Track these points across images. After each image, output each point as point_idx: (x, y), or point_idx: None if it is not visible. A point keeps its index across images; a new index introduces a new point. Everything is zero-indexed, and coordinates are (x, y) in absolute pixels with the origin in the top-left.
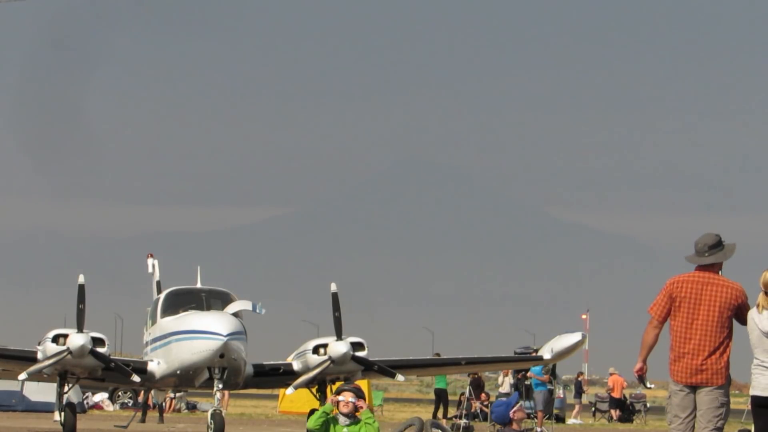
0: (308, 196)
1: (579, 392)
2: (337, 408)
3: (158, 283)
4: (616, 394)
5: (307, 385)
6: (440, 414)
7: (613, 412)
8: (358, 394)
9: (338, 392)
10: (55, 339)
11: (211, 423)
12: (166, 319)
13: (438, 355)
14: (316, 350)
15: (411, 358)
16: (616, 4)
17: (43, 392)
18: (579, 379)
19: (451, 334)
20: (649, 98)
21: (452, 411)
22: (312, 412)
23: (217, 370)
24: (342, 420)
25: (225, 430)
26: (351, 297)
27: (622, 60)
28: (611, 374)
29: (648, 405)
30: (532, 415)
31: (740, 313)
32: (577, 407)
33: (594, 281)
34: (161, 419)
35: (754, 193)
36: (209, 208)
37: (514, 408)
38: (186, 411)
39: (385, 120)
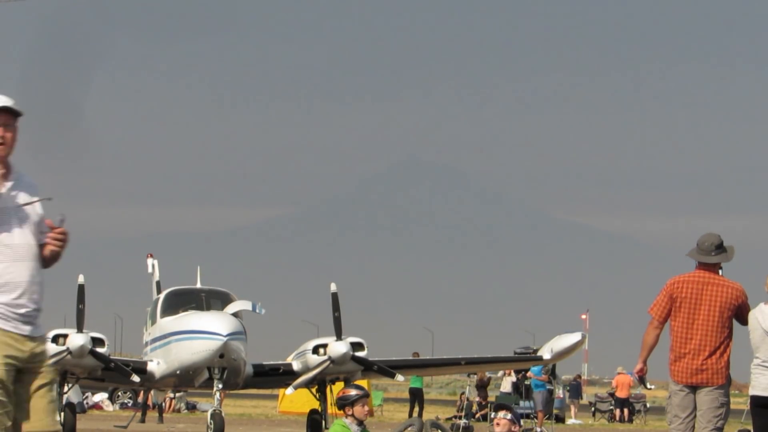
0: (308, 196)
1: (577, 393)
2: (353, 417)
3: (158, 283)
4: (621, 394)
5: (307, 385)
6: (415, 413)
7: (617, 411)
8: (367, 396)
9: (354, 402)
10: (55, 339)
11: (210, 423)
12: (165, 319)
13: (417, 355)
14: (315, 350)
15: (411, 358)
16: (615, 7)
17: None
18: (577, 380)
19: (451, 334)
20: (649, 99)
21: (449, 412)
22: (312, 412)
23: (216, 370)
24: (354, 429)
25: (225, 431)
26: (351, 297)
27: (622, 61)
28: (618, 373)
29: (648, 405)
30: (532, 415)
31: (740, 313)
32: (573, 407)
33: (594, 281)
34: (161, 419)
35: (753, 193)
36: (209, 208)
37: (497, 417)
38: (186, 411)
39: (385, 120)
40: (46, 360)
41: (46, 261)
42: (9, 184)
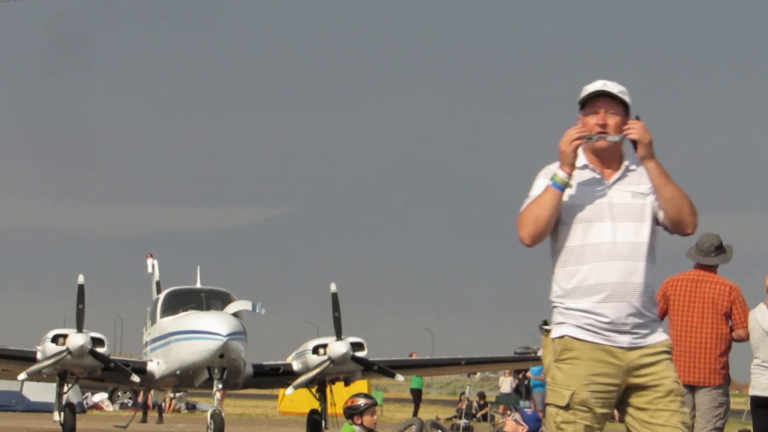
0: (308, 196)
1: None
2: (362, 425)
3: (158, 283)
4: None
5: (307, 385)
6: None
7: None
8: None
9: (363, 411)
10: (55, 339)
11: (210, 423)
12: (165, 319)
13: (413, 355)
14: (315, 350)
15: (410, 358)
16: (614, 6)
17: (42, 392)
18: None
19: (451, 334)
20: (648, 98)
21: (449, 412)
22: (312, 412)
23: (216, 370)
24: None
25: (225, 431)
26: (351, 297)
27: (620, 60)
28: None
29: None
30: None
31: (735, 311)
32: None
33: None
34: (160, 419)
35: (754, 193)
36: (209, 208)
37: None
38: (186, 411)
39: (384, 120)
40: (658, 370)
41: (672, 221)
42: (615, 175)
